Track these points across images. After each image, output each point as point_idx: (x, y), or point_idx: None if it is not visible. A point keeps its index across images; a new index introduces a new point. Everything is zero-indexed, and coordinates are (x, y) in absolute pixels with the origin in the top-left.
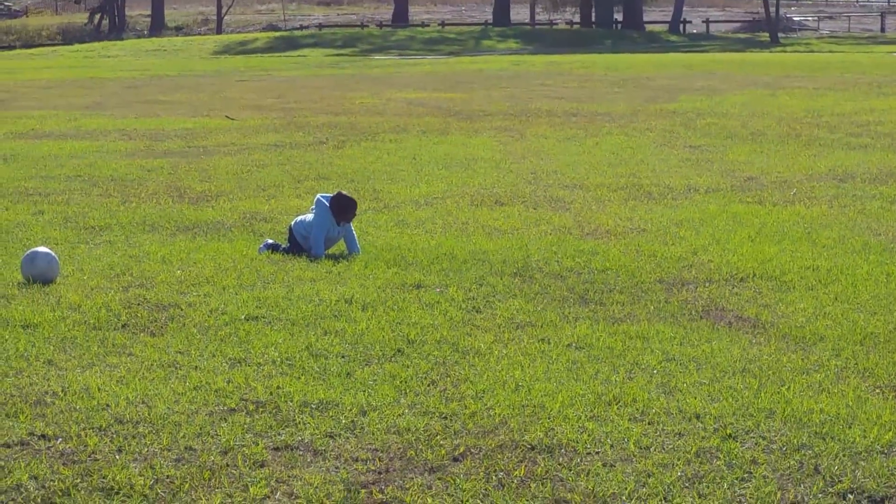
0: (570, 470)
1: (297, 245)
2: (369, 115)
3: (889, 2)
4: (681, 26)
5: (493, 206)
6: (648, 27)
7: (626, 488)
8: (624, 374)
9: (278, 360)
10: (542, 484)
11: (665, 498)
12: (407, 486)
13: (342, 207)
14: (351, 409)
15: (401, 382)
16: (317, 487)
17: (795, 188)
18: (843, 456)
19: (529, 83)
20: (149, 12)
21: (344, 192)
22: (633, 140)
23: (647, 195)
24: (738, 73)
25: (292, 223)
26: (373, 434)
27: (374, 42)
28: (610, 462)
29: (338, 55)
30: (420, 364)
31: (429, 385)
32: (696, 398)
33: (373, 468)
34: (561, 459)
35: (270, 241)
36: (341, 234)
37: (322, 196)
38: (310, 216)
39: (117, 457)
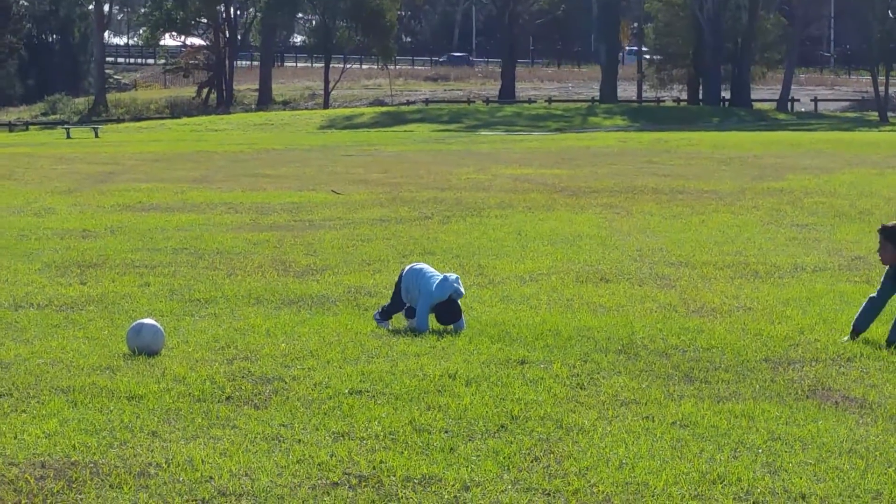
0: None
1: (399, 299)
2: (475, 190)
3: None
4: (789, 104)
5: (599, 283)
6: (756, 105)
7: None
8: (729, 453)
9: (381, 434)
10: None
11: None
12: None
13: (447, 314)
14: (454, 485)
15: (504, 458)
16: None
17: None
18: None
19: (636, 160)
20: (256, 86)
21: (459, 307)
22: (740, 218)
23: (753, 273)
24: (847, 152)
25: (405, 270)
26: None
27: (480, 118)
28: None
29: (444, 130)
30: (523, 440)
31: (532, 461)
32: (801, 478)
33: None
34: None
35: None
36: None
37: (452, 278)
38: (428, 274)
39: None
